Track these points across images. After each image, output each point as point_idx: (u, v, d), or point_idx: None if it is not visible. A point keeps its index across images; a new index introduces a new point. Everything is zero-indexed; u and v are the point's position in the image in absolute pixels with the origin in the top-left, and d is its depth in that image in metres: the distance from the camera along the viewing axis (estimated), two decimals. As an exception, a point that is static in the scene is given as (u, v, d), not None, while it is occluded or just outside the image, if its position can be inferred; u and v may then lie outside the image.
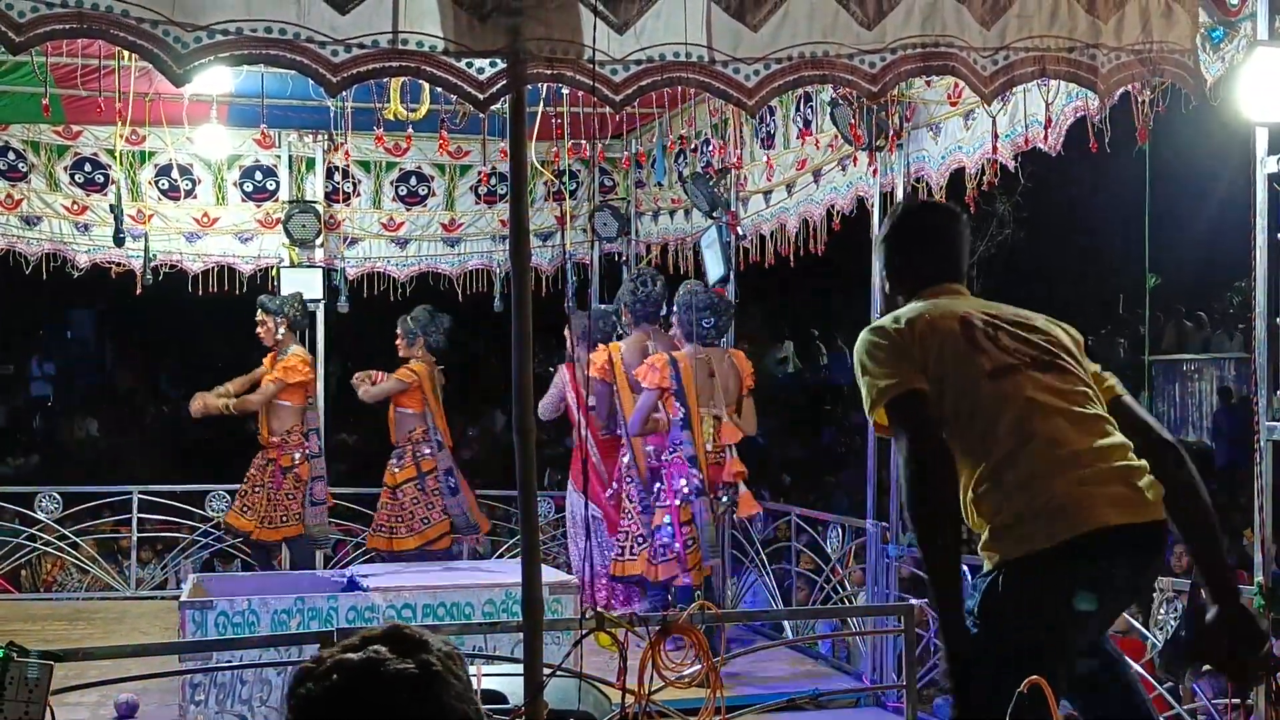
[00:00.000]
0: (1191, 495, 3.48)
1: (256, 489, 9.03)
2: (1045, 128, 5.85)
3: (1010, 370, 3.47)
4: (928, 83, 6.65)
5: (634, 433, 7.79)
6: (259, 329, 9.12)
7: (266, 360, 9.22)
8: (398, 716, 1.83)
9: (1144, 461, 3.45)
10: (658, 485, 7.70)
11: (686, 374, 7.61)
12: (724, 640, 4.71)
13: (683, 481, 7.58)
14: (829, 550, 8.02)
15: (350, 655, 1.86)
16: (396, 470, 9.11)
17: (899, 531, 7.17)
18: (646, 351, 8.03)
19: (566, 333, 8.61)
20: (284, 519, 8.99)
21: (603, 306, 9.06)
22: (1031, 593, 3.32)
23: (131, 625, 8.70)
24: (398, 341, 9.15)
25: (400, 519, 9.01)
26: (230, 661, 5.86)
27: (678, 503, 7.56)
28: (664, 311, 8.26)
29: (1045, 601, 3.30)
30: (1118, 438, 3.48)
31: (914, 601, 6.21)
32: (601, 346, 8.38)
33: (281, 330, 9.07)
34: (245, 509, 9.03)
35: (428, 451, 9.07)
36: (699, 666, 4.59)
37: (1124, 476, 3.38)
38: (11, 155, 9.60)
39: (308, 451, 9.10)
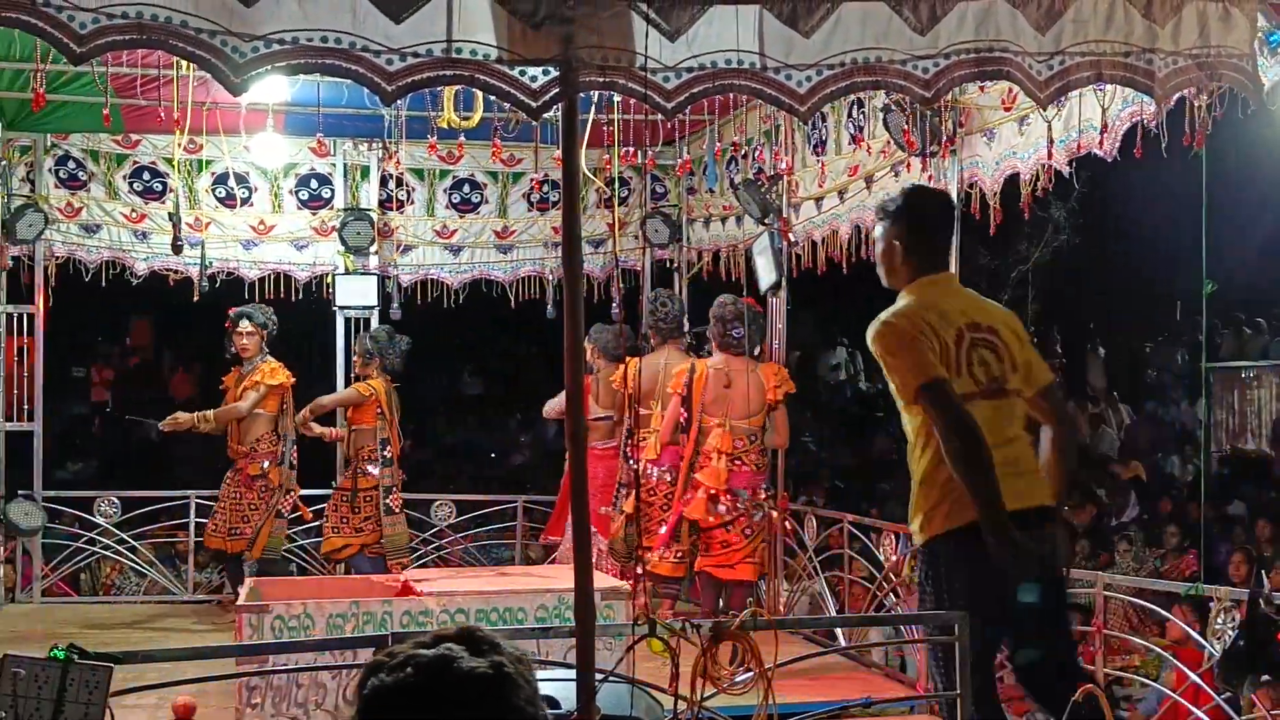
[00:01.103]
0: (1059, 470, 4.55)
1: (223, 503, 9.08)
2: (1101, 133, 5.81)
3: (968, 397, 4.32)
4: (981, 88, 6.60)
5: (664, 440, 8.09)
6: (243, 340, 9.04)
7: (231, 376, 9.23)
8: (467, 715, 1.84)
9: (1040, 458, 4.52)
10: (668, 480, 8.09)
11: (697, 383, 7.96)
12: (776, 646, 4.69)
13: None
14: (881, 557, 7.97)
15: (424, 651, 1.87)
16: (339, 480, 9.29)
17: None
18: (665, 367, 8.40)
19: (588, 344, 8.68)
20: (243, 528, 8.99)
21: (612, 324, 9.12)
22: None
23: (189, 628, 8.79)
24: (355, 359, 9.26)
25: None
26: (286, 665, 5.90)
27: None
28: (686, 328, 8.84)
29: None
30: (1021, 446, 4.48)
31: (967, 609, 6.17)
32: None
33: (262, 344, 9.09)
34: (215, 529, 9.08)
35: (371, 469, 9.11)
36: (751, 673, 4.58)
37: (1018, 473, 4.34)
38: (72, 164, 9.74)
39: (277, 458, 9.10)
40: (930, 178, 7.12)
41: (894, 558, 7.82)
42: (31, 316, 9.64)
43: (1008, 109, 6.56)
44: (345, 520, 9.09)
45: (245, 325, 9.02)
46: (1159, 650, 7.05)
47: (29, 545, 9.62)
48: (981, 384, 4.38)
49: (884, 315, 4.51)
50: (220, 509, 9.05)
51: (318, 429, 9.30)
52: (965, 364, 4.37)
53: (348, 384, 9.99)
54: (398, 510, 9.15)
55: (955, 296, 4.59)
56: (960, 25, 3.97)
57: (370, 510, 9.03)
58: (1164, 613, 6.90)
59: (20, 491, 9.47)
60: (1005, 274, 18.93)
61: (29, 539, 9.54)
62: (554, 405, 8.92)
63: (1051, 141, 6.13)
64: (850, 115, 7.99)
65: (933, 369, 4.27)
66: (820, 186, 8.46)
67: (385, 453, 9.09)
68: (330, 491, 9.42)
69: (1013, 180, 6.65)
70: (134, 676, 4.77)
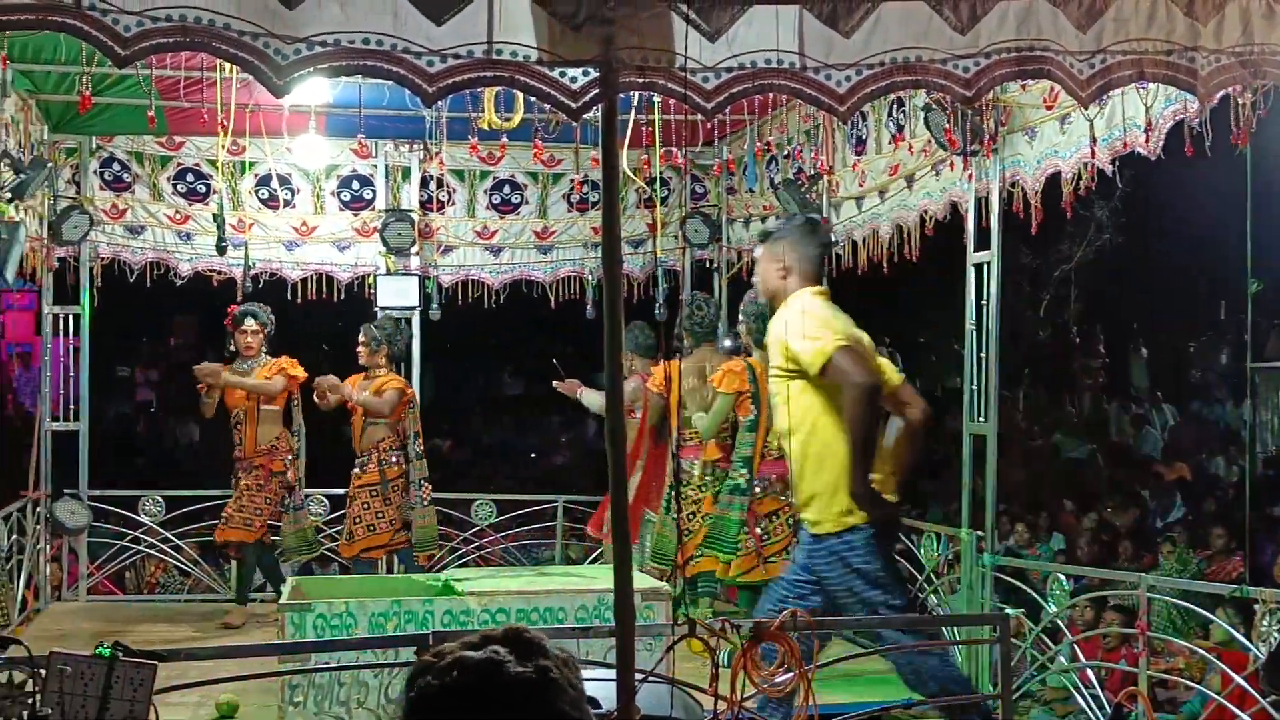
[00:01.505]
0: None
1: (239, 498, 8.96)
2: (1144, 131, 5.76)
3: None
4: (1023, 86, 6.57)
5: (708, 437, 8.02)
6: (248, 338, 9.01)
7: (226, 370, 9.10)
8: (513, 718, 1.85)
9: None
10: (710, 478, 8.06)
11: (761, 378, 7.83)
12: (816, 647, 4.69)
13: (736, 482, 7.86)
14: (923, 559, 7.94)
15: (470, 654, 1.88)
16: (358, 474, 9.08)
17: (994, 540, 7.10)
18: (704, 369, 8.38)
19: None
20: (255, 520, 8.91)
21: (639, 323, 9.11)
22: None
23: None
24: (360, 349, 9.13)
25: (356, 523, 9.02)
26: (328, 663, 5.94)
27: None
28: (720, 331, 8.90)
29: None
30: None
31: (1010, 611, 6.14)
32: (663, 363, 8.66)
33: (264, 342, 9.07)
34: (230, 520, 8.94)
35: (394, 460, 9.03)
36: (791, 674, 4.58)
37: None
38: (116, 166, 9.83)
39: (294, 454, 9.13)
40: (971, 176, 7.10)
41: (936, 559, 7.80)
42: (77, 317, 9.74)
43: (1049, 108, 6.52)
44: (380, 515, 9.03)
45: (250, 324, 9.00)
46: (1203, 653, 7.00)
47: (75, 544, 9.72)
48: None
49: (801, 305, 5.25)
50: (234, 503, 8.94)
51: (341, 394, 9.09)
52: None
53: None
54: (428, 502, 9.11)
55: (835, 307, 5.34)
56: (1001, 24, 3.95)
57: (399, 500, 8.99)
58: (1208, 615, 6.84)
59: (66, 491, 9.56)
60: (1047, 273, 18.85)
61: (75, 538, 9.63)
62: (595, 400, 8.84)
63: (1094, 140, 6.09)
64: (891, 114, 7.96)
65: (849, 338, 5.03)
66: (861, 186, 8.44)
67: (417, 445, 9.07)
68: (474, 496, 9.39)
69: (1054, 179, 6.61)
70: (177, 674, 4.81)
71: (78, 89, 7.71)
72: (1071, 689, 6.67)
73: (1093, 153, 6.13)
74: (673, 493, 8.17)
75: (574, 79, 3.85)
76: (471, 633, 1.94)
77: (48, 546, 9.57)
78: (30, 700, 3.62)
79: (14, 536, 8.86)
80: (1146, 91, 5.59)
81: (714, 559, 7.97)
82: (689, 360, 8.56)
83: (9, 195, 8.08)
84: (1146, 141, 5.77)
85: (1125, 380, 20.48)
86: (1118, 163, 6.18)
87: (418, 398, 9.35)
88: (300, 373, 9.07)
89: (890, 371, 5.37)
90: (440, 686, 1.86)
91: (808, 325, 5.13)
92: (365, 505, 8.98)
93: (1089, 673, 6.62)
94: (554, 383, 9.13)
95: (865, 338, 5.32)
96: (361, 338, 9.12)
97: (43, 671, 3.41)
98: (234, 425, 9.03)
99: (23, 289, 13.73)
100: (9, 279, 8.39)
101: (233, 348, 9.08)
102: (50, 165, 8.98)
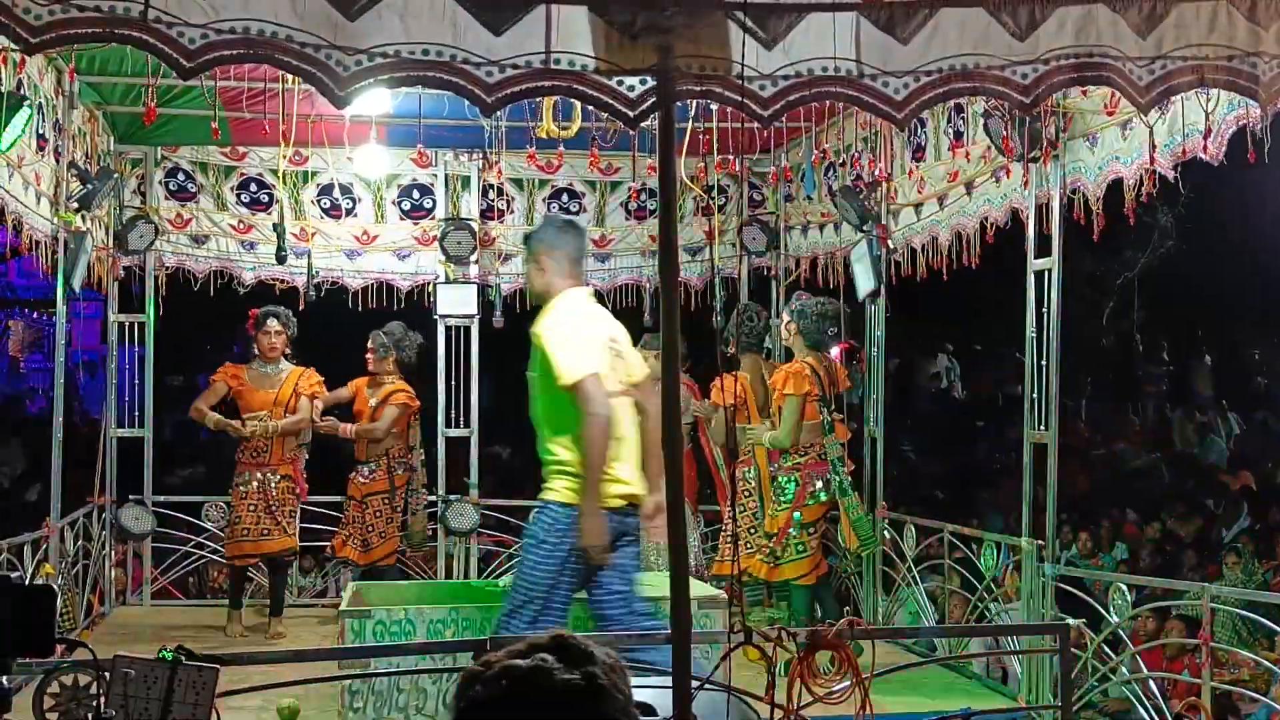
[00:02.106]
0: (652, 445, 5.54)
1: (253, 510, 8.86)
2: (1205, 137, 5.69)
3: (616, 393, 5.44)
4: (1084, 92, 6.51)
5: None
6: (271, 339, 8.90)
7: (237, 370, 9.07)
8: (574, 698, 1.86)
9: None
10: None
11: (825, 378, 7.97)
12: (873, 656, 4.67)
13: (820, 483, 7.91)
14: (982, 568, 7.89)
15: (518, 662, 1.89)
16: (365, 481, 9.18)
17: (1055, 549, 7.03)
18: (762, 376, 8.54)
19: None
20: (273, 531, 8.88)
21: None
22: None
23: (293, 632, 8.92)
24: (368, 355, 9.22)
25: (370, 530, 9.15)
26: (387, 669, 5.98)
27: (809, 503, 7.91)
28: (767, 342, 9.02)
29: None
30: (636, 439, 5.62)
31: (1070, 621, 6.09)
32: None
33: (287, 345, 9.01)
34: (244, 534, 8.89)
35: (401, 470, 9.19)
36: (848, 682, 4.56)
37: (634, 463, 5.60)
38: (181, 176, 9.96)
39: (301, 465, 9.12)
40: (1029, 183, 7.05)
41: (995, 568, 7.74)
42: (142, 325, 9.87)
43: (1110, 113, 6.46)
44: (390, 522, 9.17)
45: (273, 324, 8.92)
46: (1268, 664, 6.90)
47: (139, 549, 9.85)
48: (619, 386, 5.52)
49: (563, 312, 5.57)
50: (249, 515, 8.85)
51: (333, 428, 9.20)
52: (610, 369, 5.49)
53: (449, 392, 10.12)
54: (424, 507, 9.36)
55: (597, 307, 5.79)
56: (1060, 30, 3.93)
57: (399, 505, 9.15)
58: (1274, 626, 6.74)
59: (131, 496, 9.69)
60: (1110, 280, 18.66)
61: (139, 543, 9.76)
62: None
63: (1154, 146, 6.03)
64: (950, 121, 7.93)
65: (599, 366, 5.38)
66: (919, 193, 8.40)
67: (417, 456, 9.23)
68: (529, 504, 9.32)
69: (1116, 185, 6.55)
70: (239, 678, 4.87)
71: (143, 101, 7.83)
72: (1133, 700, 6.59)
73: (1153, 159, 6.06)
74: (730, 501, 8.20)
75: (631, 88, 3.87)
76: (519, 639, 1.96)
77: (113, 552, 9.70)
78: (95, 703, 3.68)
79: (80, 542, 8.98)
80: (1208, 97, 5.52)
81: (759, 562, 8.01)
82: (743, 370, 8.61)
83: (76, 205, 8.22)
84: (1207, 148, 5.71)
85: (1189, 388, 20.22)
86: (1180, 169, 6.11)
87: (474, 406, 9.40)
88: (322, 387, 9.14)
89: (638, 368, 5.75)
90: (489, 695, 1.88)
91: (567, 338, 5.46)
92: (378, 513, 9.14)
93: (1151, 684, 6.54)
94: None
95: (620, 337, 5.74)
96: (370, 344, 9.22)
97: (107, 674, 3.46)
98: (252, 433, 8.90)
99: (89, 298, 13.93)
100: (76, 288, 8.53)
101: (255, 350, 9.05)
102: (117, 176, 9.11)
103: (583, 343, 5.46)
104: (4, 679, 2.97)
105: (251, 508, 8.84)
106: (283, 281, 10.08)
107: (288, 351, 9.06)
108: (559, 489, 5.58)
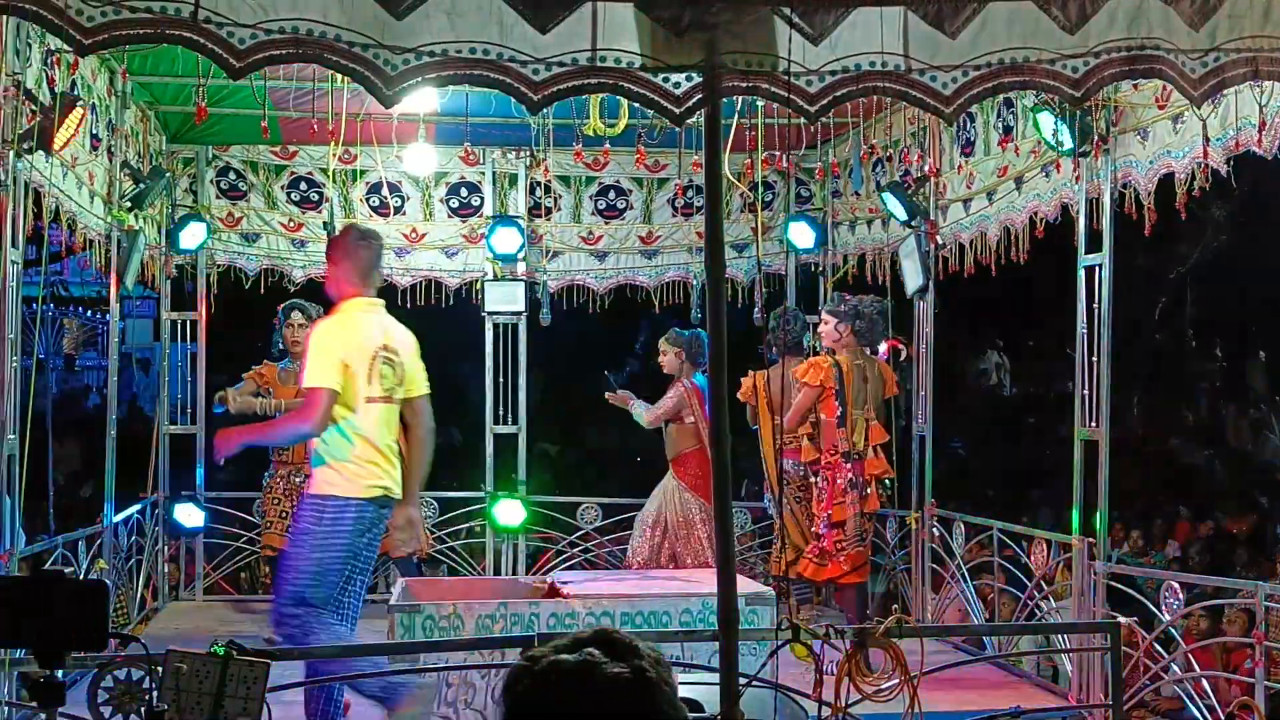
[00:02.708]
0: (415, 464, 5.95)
1: (279, 504, 8.88)
2: (1259, 130, 5.62)
3: (372, 399, 5.75)
4: (1135, 86, 6.45)
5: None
6: (294, 332, 8.77)
7: (268, 370, 9.02)
8: (612, 717, 1.87)
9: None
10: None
11: (847, 376, 7.97)
12: (922, 654, 4.65)
13: (847, 478, 7.90)
14: (1032, 565, 7.84)
15: (565, 656, 1.90)
16: None
17: (1106, 547, 6.98)
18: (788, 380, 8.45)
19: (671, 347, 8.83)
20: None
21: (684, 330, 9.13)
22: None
23: (343, 627, 8.97)
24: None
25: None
26: (436, 664, 6.01)
27: (840, 502, 7.91)
28: (805, 345, 9.02)
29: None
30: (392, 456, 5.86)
31: (1121, 619, 6.04)
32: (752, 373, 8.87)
33: None
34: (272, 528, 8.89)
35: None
36: (896, 680, 4.55)
37: (393, 464, 5.82)
38: (232, 175, 10.06)
39: None
40: (1080, 178, 6.99)
41: (1045, 566, 7.68)
42: (194, 323, 9.97)
43: (1162, 107, 6.39)
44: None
45: (297, 317, 8.81)
46: (1325, 664, 6.81)
47: (192, 545, 9.94)
48: (384, 391, 5.79)
49: (333, 319, 5.91)
50: (273, 509, 8.91)
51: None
52: (376, 374, 5.75)
53: (497, 389, 10.14)
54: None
55: (378, 315, 5.97)
56: (1111, 23, 3.89)
57: None
58: (1330, 625, 6.67)
59: (184, 493, 9.78)
60: (1162, 276, 18.47)
61: (192, 539, 9.85)
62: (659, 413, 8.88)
63: (1207, 140, 5.95)
64: (999, 115, 7.87)
65: (336, 383, 5.63)
66: (968, 188, 8.35)
67: None
68: (575, 500, 9.45)
69: (1168, 180, 6.48)
70: (290, 673, 4.91)
71: (194, 100, 7.90)
72: (1185, 699, 6.53)
73: (1205, 152, 5.99)
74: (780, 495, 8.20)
75: (677, 84, 3.87)
76: (562, 634, 1.96)
77: (166, 547, 9.79)
78: (147, 697, 3.72)
79: (134, 538, 9.07)
80: (1262, 90, 5.46)
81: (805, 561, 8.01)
82: (774, 370, 8.64)
83: (129, 204, 8.31)
84: (1260, 141, 5.63)
85: (1243, 384, 19.98)
86: (1233, 162, 6.04)
87: (523, 404, 9.40)
88: None
89: (418, 383, 5.99)
90: (539, 690, 1.88)
91: (320, 349, 5.74)
92: None
93: (1203, 683, 6.48)
94: (606, 395, 9.18)
95: (401, 348, 5.93)
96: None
97: (160, 669, 3.50)
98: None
99: (142, 296, 14.07)
100: (129, 286, 8.62)
101: (280, 345, 8.98)
102: (168, 175, 9.21)
103: (330, 356, 5.69)
104: (59, 673, 3.02)
105: (275, 502, 8.87)
106: (332, 279, 10.13)
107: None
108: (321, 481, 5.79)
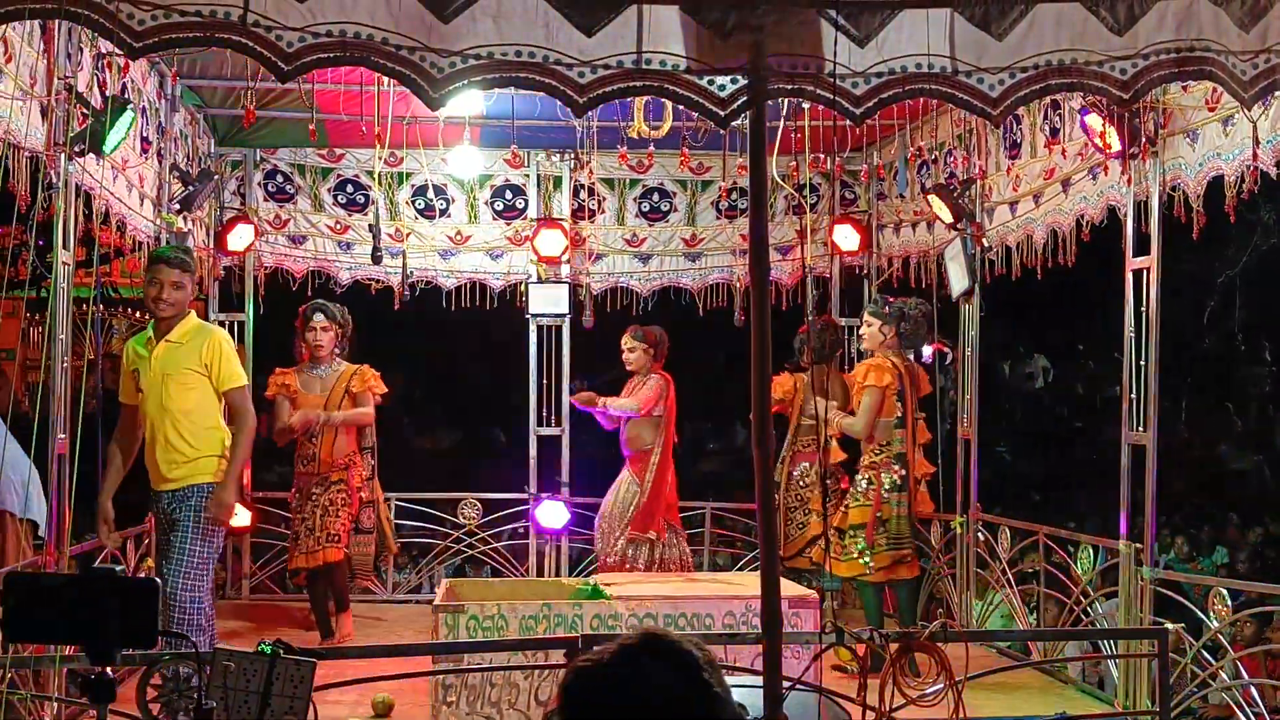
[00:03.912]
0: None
1: (308, 518, 8.27)
2: (1312, 133, 5.56)
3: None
4: (1184, 88, 6.40)
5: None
6: (317, 335, 8.32)
7: (287, 376, 8.43)
8: (675, 695, 1.88)
9: None
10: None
11: (906, 377, 7.90)
12: (967, 658, 4.63)
13: (892, 478, 7.81)
14: (1079, 571, 7.78)
15: (618, 660, 1.91)
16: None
17: (1154, 553, 6.92)
18: (825, 386, 8.55)
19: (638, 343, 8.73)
20: (342, 536, 8.28)
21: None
22: None
23: (388, 627, 9.02)
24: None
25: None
26: (480, 664, 6.04)
27: (886, 501, 7.80)
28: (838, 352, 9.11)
29: None
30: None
31: (1169, 625, 5.98)
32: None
33: (337, 343, 8.41)
34: (305, 546, 8.29)
35: (368, 476, 8.60)
36: (941, 685, 4.53)
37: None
38: (280, 178, 10.13)
39: (368, 471, 8.56)
40: (1129, 180, 6.93)
41: (1091, 571, 7.62)
42: (242, 324, 10.05)
43: (1211, 109, 6.33)
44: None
45: (320, 319, 8.34)
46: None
47: (238, 544, 10.01)
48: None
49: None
50: (304, 525, 8.28)
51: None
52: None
53: (540, 391, 10.15)
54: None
55: None
56: (1160, 24, 3.86)
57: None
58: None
59: (231, 492, 9.83)
60: (1211, 279, 18.29)
61: (238, 538, 9.92)
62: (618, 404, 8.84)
63: (1257, 142, 5.88)
64: (1046, 117, 7.82)
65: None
66: (1015, 190, 8.30)
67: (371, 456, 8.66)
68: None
69: (1217, 183, 6.41)
70: (335, 672, 4.94)
71: (243, 103, 7.97)
72: (1234, 706, 6.46)
73: (1255, 155, 5.93)
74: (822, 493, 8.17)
75: (722, 87, 3.87)
76: (613, 635, 1.97)
77: (213, 546, 9.84)
78: (195, 694, 3.75)
79: (181, 536, 9.12)
80: (1314, 91, 5.39)
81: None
82: (805, 376, 8.73)
83: (178, 207, 8.39)
84: (1311, 144, 5.57)
85: (1294, 388, 19.77)
86: (1284, 165, 5.97)
87: (564, 405, 9.40)
88: (382, 386, 8.52)
89: (227, 379, 6.53)
90: (595, 695, 1.89)
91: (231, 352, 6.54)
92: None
93: (1252, 690, 6.41)
94: (570, 398, 9.16)
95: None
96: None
97: (208, 667, 3.53)
98: (309, 437, 8.35)
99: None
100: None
101: (303, 348, 8.50)
102: (217, 177, 9.28)
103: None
104: (108, 670, 3.05)
105: (303, 519, 8.31)
106: (378, 281, 10.21)
107: (338, 350, 8.45)
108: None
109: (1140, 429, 6.98)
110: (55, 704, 5.78)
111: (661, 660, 1.91)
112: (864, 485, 7.85)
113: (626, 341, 8.72)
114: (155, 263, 6.50)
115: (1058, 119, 7.66)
